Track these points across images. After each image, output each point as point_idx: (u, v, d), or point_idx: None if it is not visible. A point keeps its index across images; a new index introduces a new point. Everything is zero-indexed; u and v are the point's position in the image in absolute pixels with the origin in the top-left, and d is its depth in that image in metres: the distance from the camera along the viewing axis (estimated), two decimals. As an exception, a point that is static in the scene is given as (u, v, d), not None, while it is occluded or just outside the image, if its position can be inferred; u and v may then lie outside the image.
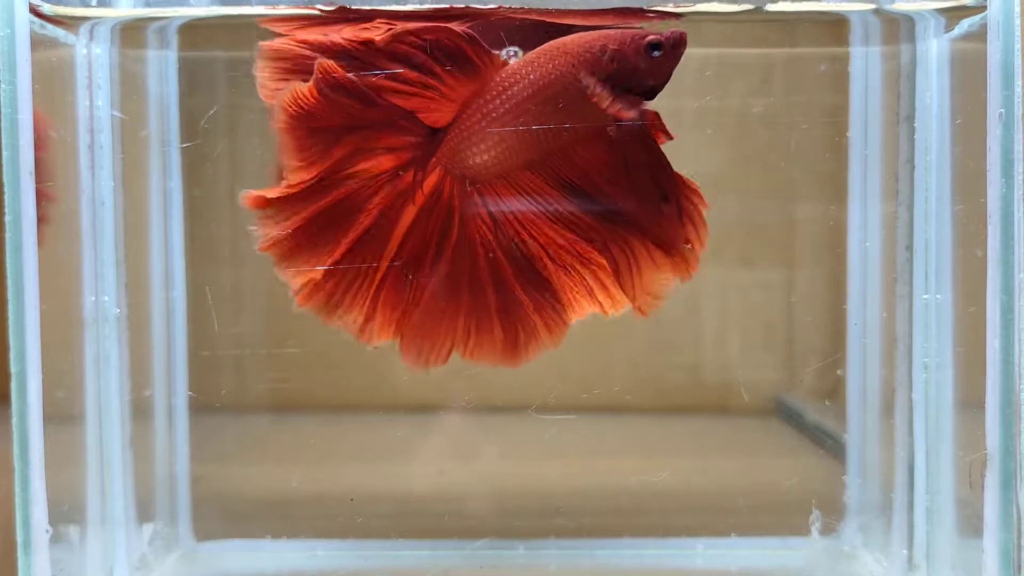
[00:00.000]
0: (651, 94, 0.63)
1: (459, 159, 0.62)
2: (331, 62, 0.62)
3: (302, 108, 0.62)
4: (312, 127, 0.62)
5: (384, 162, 0.63)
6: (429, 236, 0.64)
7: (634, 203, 0.63)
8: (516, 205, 0.64)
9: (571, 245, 0.64)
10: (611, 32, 0.62)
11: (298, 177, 0.64)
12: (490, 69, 0.62)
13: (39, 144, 0.63)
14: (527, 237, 0.64)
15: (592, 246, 0.64)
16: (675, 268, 0.64)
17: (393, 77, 0.62)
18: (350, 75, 0.62)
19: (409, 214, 0.64)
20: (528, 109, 0.61)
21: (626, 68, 0.61)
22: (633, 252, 0.64)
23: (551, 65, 0.61)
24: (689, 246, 0.64)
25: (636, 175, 0.63)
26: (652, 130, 0.63)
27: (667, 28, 0.62)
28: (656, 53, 0.61)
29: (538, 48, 0.63)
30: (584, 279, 0.65)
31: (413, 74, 0.62)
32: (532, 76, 0.62)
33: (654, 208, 0.63)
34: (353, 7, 0.64)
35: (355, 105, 0.62)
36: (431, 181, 0.63)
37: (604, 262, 0.64)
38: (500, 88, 0.62)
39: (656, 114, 0.63)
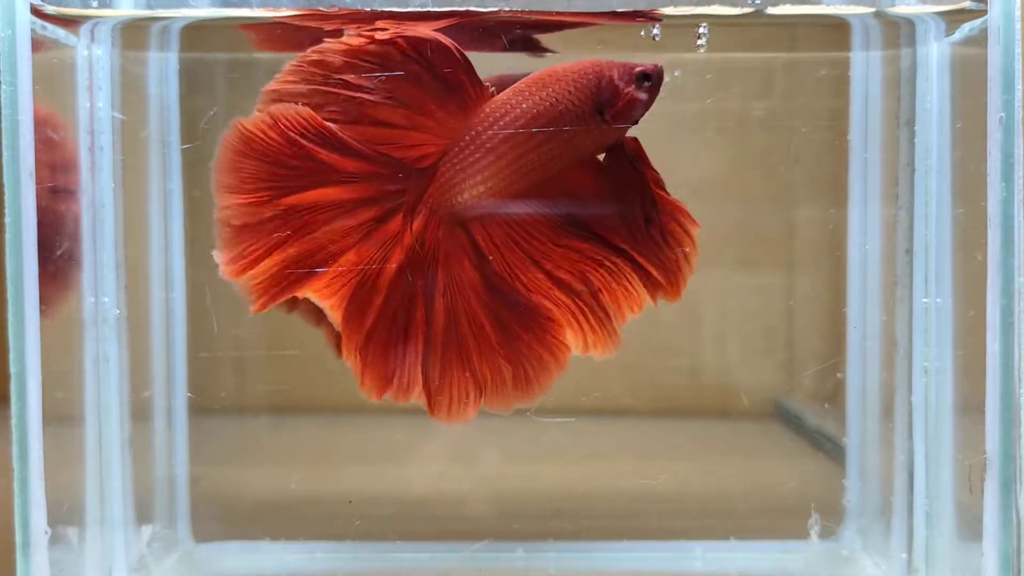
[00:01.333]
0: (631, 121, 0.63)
1: (450, 195, 0.62)
2: (308, 109, 0.61)
3: (254, 148, 0.61)
4: (264, 162, 0.62)
5: (363, 213, 0.62)
6: (416, 285, 0.64)
7: (625, 227, 0.63)
8: (506, 240, 0.64)
9: (562, 271, 0.64)
10: (600, 61, 0.63)
11: (246, 214, 0.62)
12: (479, 100, 0.62)
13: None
14: (519, 272, 0.64)
15: (589, 267, 0.64)
16: (664, 289, 0.65)
17: (379, 123, 0.61)
18: (329, 124, 0.60)
19: (393, 264, 0.63)
20: (523, 139, 0.61)
21: (617, 97, 0.62)
22: (624, 274, 0.64)
23: (544, 92, 0.61)
24: (687, 249, 0.64)
25: (625, 199, 0.63)
26: (637, 156, 0.63)
27: (644, 60, 0.63)
28: (647, 83, 0.62)
29: (526, 78, 0.63)
30: (574, 306, 0.65)
31: (400, 114, 0.61)
32: (524, 105, 0.61)
33: (642, 231, 0.64)
34: (355, 8, 0.64)
35: (332, 156, 0.61)
36: (416, 226, 0.62)
37: (584, 289, 0.64)
38: (492, 119, 0.61)
39: (636, 141, 0.63)
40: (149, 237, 0.77)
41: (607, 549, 0.80)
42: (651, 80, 0.62)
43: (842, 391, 0.80)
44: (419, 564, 0.79)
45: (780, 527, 0.80)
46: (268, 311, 0.81)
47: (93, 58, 0.71)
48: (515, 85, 0.62)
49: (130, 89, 0.74)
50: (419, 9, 0.63)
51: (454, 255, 0.63)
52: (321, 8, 0.64)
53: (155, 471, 0.79)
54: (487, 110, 0.62)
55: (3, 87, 0.60)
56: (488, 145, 0.61)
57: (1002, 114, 0.60)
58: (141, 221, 0.77)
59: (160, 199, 0.78)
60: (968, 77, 0.67)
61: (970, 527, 0.65)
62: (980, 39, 0.62)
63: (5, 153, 0.61)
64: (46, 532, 0.63)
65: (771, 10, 0.66)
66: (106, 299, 0.72)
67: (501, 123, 0.61)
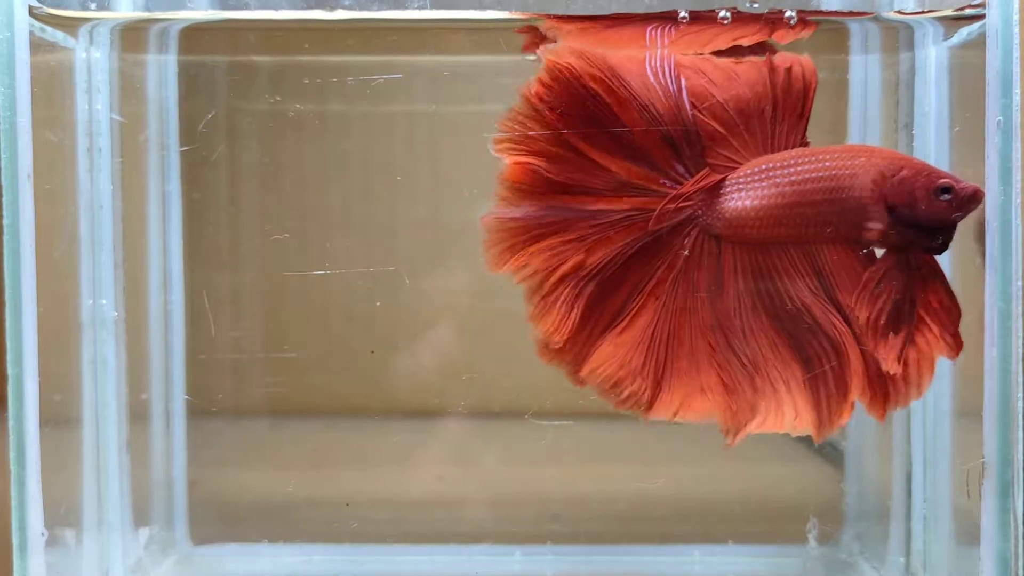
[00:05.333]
0: (928, 245, 0.61)
1: (722, 199, 0.61)
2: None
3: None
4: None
5: (633, 189, 0.61)
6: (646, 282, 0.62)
7: (862, 324, 0.61)
8: (748, 274, 0.62)
9: (782, 333, 0.62)
10: (915, 160, 0.62)
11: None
12: (791, 142, 0.62)
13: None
14: (745, 313, 0.62)
15: (809, 341, 0.62)
16: (869, 405, 0.62)
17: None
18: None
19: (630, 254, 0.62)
20: (811, 189, 0.61)
21: (907, 197, 0.60)
22: (841, 366, 0.62)
23: (850, 162, 0.61)
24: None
25: (880, 300, 0.61)
26: (925, 269, 0.61)
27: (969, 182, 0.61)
28: (944, 196, 0.60)
29: (842, 145, 0.63)
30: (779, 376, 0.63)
31: (728, 121, 0.61)
32: (828, 163, 0.61)
33: (879, 337, 0.61)
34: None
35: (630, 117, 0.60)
36: (675, 225, 0.62)
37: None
38: (792, 160, 0.61)
39: (933, 261, 0.61)
40: (148, 239, 0.78)
41: (605, 553, 0.80)
42: (951, 194, 0.60)
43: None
44: (417, 567, 0.79)
45: (778, 531, 0.79)
46: (264, 313, 0.81)
47: (92, 60, 0.71)
48: (829, 147, 0.62)
49: (129, 91, 0.74)
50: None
51: (692, 266, 0.62)
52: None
53: (153, 473, 0.79)
54: (793, 152, 0.61)
55: (1, 89, 0.60)
56: (777, 179, 0.61)
57: (1000, 118, 0.60)
58: (140, 223, 0.77)
59: (159, 201, 0.78)
60: (966, 81, 0.67)
61: (968, 531, 0.65)
62: (978, 43, 0.62)
63: (4, 155, 0.61)
64: (43, 534, 0.63)
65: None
66: (104, 301, 0.72)
67: (798, 168, 0.61)
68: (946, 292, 0.61)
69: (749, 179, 0.61)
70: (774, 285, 0.62)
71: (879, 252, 0.62)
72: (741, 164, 0.62)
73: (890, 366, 0.61)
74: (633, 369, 0.63)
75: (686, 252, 0.62)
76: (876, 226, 0.61)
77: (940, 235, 0.61)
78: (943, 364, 0.70)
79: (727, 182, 0.61)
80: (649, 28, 0.63)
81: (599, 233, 0.62)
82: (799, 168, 0.61)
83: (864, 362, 0.62)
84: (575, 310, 0.62)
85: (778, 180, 0.61)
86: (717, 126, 0.61)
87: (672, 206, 0.61)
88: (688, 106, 0.61)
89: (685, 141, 0.61)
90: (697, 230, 0.62)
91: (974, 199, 0.60)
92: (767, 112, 0.61)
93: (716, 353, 0.62)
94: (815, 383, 0.62)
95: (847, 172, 0.61)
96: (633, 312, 0.62)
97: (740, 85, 0.61)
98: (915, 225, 0.61)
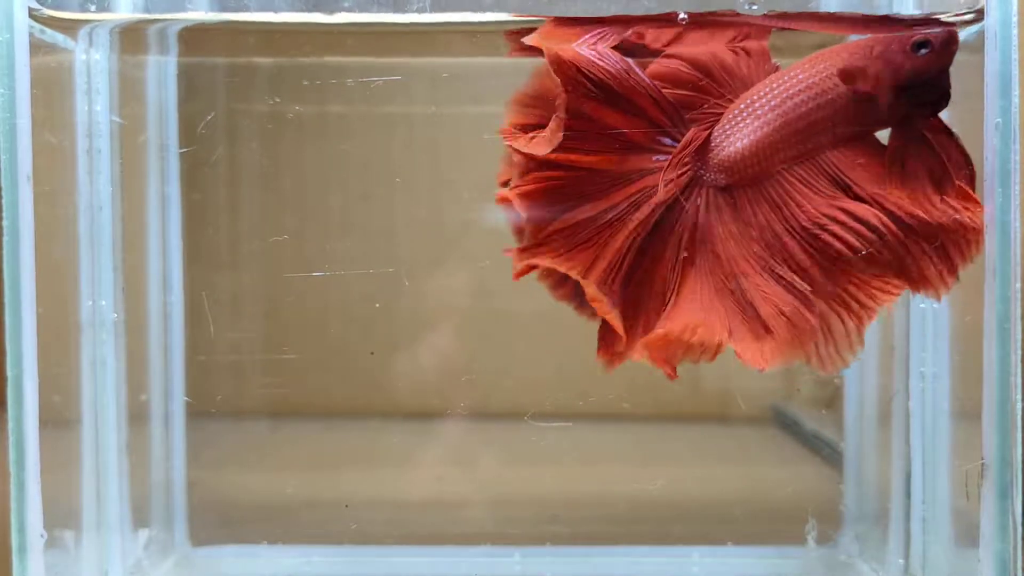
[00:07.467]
0: (930, 102, 0.61)
1: (715, 152, 0.62)
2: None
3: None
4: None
5: (632, 162, 0.62)
6: (665, 244, 0.63)
7: (908, 206, 0.61)
8: (767, 207, 0.62)
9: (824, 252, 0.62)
10: (880, 36, 0.62)
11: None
12: (764, 75, 0.62)
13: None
14: (773, 248, 0.62)
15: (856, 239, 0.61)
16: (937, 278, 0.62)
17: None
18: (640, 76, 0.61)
19: (641, 220, 0.63)
20: (791, 106, 0.61)
21: (888, 67, 0.61)
22: (911, 254, 0.62)
23: (820, 66, 0.61)
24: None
25: (912, 177, 0.62)
26: (933, 131, 0.61)
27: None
28: (923, 51, 0.60)
29: (812, 54, 0.63)
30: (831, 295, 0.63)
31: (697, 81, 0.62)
32: (800, 76, 0.61)
33: (931, 210, 0.61)
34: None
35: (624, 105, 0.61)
36: (677, 185, 0.62)
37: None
38: (767, 88, 0.62)
39: (937, 119, 0.61)
40: (147, 241, 0.78)
41: (604, 554, 0.80)
42: (929, 47, 0.60)
43: (840, 397, 0.80)
44: (416, 568, 0.79)
45: (777, 532, 0.79)
46: (264, 314, 0.81)
47: (92, 62, 0.71)
48: (794, 64, 0.62)
49: (128, 93, 0.74)
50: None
51: (713, 223, 0.63)
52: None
53: (152, 475, 0.79)
54: (765, 81, 0.62)
55: (1, 91, 0.60)
56: (758, 112, 0.61)
57: (998, 120, 0.60)
58: (139, 225, 0.77)
59: (158, 203, 0.78)
60: (965, 82, 0.67)
61: (967, 533, 0.65)
62: (977, 45, 0.62)
63: (3, 156, 0.61)
64: (42, 535, 0.63)
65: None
66: (104, 302, 0.72)
67: (773, 92, 0.61)
68: (958, 146, 0.61)
69: (733, 122, 0.62)
70: (797, 207, 0.62)
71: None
72: (722, 113, 0.62)
73: (968, 219, 0.60)
74: (699, 338, 0.63)
75: (693, 206, 0.62)
76: (874, 107, 0.61)
77: (934, 89, 0.61)
78: (941, 365, 0.70)
79: (715, 134, 0.62)
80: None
81: (609, 231, 0.62)
82: (775, 92, 0.61)
83: (913, 242, 0.61)
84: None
85: (759, 112, 0.61)
86: (685, 91, 0.62)
87: (674, 175, 0.61)
88: (647, 79, 0.61)
89: (663, 113, 0.61)
90: (705, 189, 0.62)
91: (952, 40, 0.60)
92: (725, 58, 0.62)
93: (769, 292, 0.62)
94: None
95: (823, 75, 0.61)
96: (675, 288, 0.63)
97: (685, 50, 0.62)
98: (906, 88, 0.61)
